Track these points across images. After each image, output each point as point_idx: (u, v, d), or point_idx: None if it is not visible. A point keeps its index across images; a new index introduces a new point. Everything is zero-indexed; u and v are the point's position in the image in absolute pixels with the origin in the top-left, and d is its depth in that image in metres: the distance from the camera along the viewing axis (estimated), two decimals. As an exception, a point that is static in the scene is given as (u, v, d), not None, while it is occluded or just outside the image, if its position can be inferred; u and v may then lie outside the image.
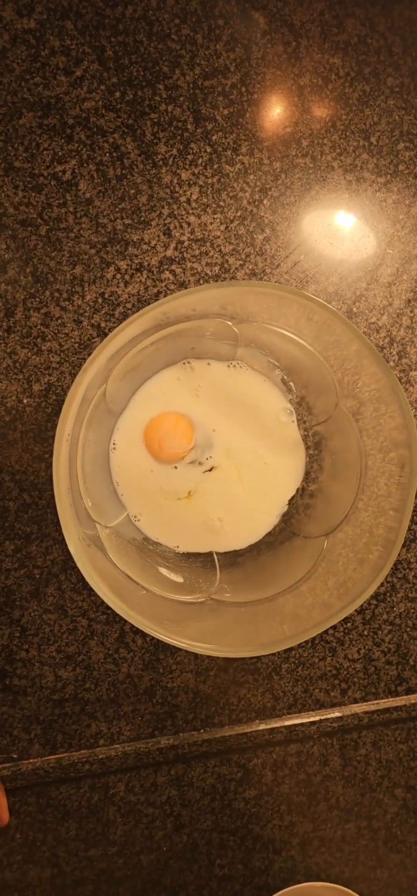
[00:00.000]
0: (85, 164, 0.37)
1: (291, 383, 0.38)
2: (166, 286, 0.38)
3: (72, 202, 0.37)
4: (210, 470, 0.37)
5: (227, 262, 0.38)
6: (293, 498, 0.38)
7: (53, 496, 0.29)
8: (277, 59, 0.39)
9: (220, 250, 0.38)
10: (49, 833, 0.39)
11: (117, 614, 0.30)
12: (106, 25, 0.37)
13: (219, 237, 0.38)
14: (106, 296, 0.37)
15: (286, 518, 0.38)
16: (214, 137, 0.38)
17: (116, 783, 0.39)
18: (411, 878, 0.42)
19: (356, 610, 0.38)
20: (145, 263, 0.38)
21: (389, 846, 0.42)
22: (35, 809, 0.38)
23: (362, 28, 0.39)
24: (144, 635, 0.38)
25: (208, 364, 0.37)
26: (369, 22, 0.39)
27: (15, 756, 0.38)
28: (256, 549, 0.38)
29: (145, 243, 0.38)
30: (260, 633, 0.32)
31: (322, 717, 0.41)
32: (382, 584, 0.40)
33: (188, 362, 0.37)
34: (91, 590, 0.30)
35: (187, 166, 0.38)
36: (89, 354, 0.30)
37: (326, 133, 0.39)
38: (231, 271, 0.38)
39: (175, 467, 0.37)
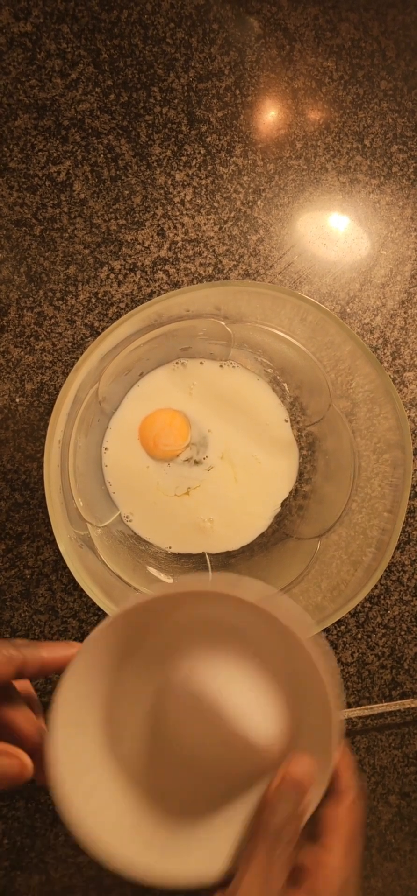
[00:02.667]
0: (80, 166, 0.37)
1: (284, 384, 0.38)
2: (159, 286, 0.38)
3: (66, 203, 0.37)
4: (209, 470, 0.37)
5: (220, 262, 0.38)
6: (286, 499, 0.38)
7: (44, 496, 0.29)
8: (271, 63, 0.39)
9: (214, 251, 0.38)
10: (37, 839, 0.38)
11: (108, 615, 0.30)
12: (102, 29, 0.38)
13: (213, 238, 0.38)
14: (99, 295, 0.37)
15: (280, 519, 0.38)
16: (208, 139, 0.38)
17: (107, 788, 0.39)
18: (405, 886, 0.42)
19: (349, 613, 0.38)
20: (139, 264, 0.38)
21: (383, 854, 0.42)
22: (23, 814, 0.38)
23: (355, 32, 0.39)
24: (135, 637, 0.38)
25: (201, 364, 0.37)
26: (362, 26, 0.39)
27: (4, 759, 0.37)
28: (248, 551, 0.37)
29: (139, 244, 0.38)
30: (252, 636, 0.32)
31: (316, 722, 0.40)
32: (376, 587, 0.40)
33: (181, 362, 0.37)
34: (82, 590, 0.30)
35: (181, 168, 0.38)
36: (82, 354, 0.30)
37: (320, 135, 0.39)
38: (225, 272, 0.38)
39: (169, 464, 0.37)
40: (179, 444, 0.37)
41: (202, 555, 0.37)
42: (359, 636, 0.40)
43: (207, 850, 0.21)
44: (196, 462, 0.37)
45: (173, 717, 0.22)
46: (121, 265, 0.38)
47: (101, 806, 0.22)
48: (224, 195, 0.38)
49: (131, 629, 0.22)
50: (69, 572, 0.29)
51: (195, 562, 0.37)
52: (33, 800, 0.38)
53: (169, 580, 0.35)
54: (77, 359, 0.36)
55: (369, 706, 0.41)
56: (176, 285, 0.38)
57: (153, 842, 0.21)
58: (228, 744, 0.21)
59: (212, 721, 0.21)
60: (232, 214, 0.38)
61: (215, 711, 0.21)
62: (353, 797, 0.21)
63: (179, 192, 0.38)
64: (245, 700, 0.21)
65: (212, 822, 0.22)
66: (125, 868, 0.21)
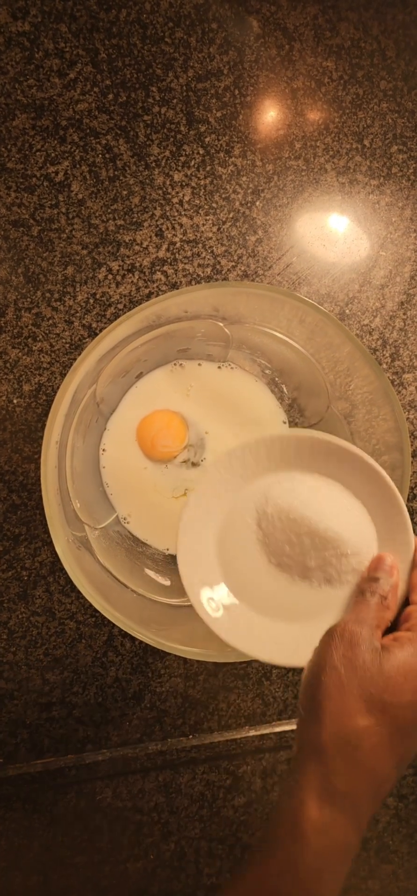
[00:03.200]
0: (78, 166, 0.37)
1: (283, 385, 0.38)
2: (157, 287, 0.38)
3: (64, 203, 0.37)
4: (201, 464, 0.37)
5: (219, 263, 0.38)
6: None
7: (42, 497, 0.29)
8: (270, 63, 0.39)
9: (212, 251, 0.38)
10: (35, 839, 0.38)
11: (106, 617, 0.30)
12: (100, 28, 0.37)
13: (211, 238, 0.38)
14: (97, 296, 0.37)
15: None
16: (207, 139, 0.38)
17: (104, 789, 0.39)
18: (403, 888, 0.42)
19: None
20: (137, 264, 0.38)
21: (381, 856, 0.42)
22: (21, 815, 0.38)
23: (355, 32, 0.39)
24: (132, 639, 0.38)
25: (199, 365, 0.37)
26: (362, 26, 0.39)
27: (1, 760, 0.37)
28: (246, 553, 0.37)
29: (137, 244, 0.38)
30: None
31: (314, 724, 0.40)
32: (374, 589, 0.40)
33: (180, 363, 0.37)
34: (80, 592, 0.30)
35: (179, 168, 0.38)
36: (80, 355, 0.30)
37: (319, 136, 0.39)
38: (223, 273, 0.38)
39: (167, 466, 0.37)
40: (176, 446, 0.36)
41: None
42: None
43: (304, 641, 0.25)
44: (194, 464, 0.37)
45: (278, 530, 0.27)
46: (119, 266, 0.37)
47: (217, 599, 0.28)
48: (223, 196, 0.38)
49: (248, 460, 0.29)
50: (67, 574, 0.29)
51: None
52: (31, 800, 0.38)
53: (166, 582, 0.35)
54: (75, 360, 0.36)
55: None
56: (174, 286, 0.38)
57: (258, 634, 0.27)
58: (326, 547, 0.26)
59: (316, 528, 0.26)
60: (231, 215, 0.38)
61: (317, 520, 0.26)
62: None
63: (177, 192, 0.38)
64: (343, 515, 0.27)
65: (309, 620, 0.27)
66: (238, 645, 0.27)
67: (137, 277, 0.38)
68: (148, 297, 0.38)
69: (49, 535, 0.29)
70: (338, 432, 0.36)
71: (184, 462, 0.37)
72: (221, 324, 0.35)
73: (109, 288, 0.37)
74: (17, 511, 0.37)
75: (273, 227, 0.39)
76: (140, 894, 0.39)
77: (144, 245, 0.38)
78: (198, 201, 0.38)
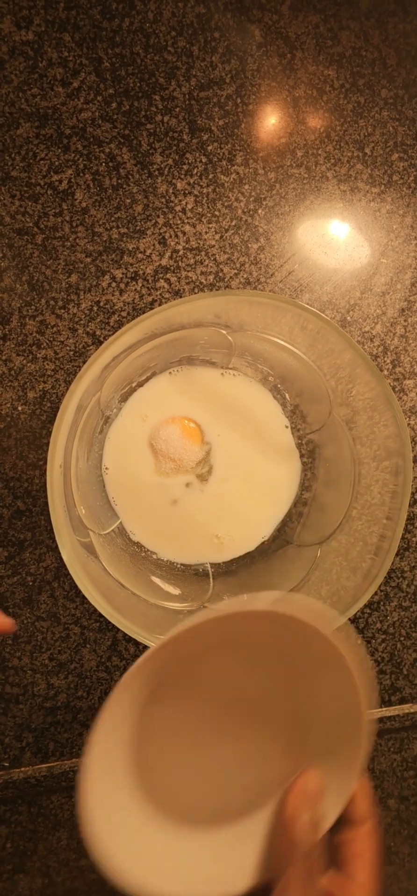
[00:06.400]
0: (81, 174, 0.37)
1: (285, 392, 0.38)
2: (161, 295, 0.38)
3: (68, 211, 0.37)
4: (211, 477, 0.37)
5: (222, 271, 0.39)
6: (286, 506, 0.38)
7: (46, 503, 0.29)
8: (272, 71, 0.39)
9: (215, 259, 0.38)
10: (40, 843, 0.38)
11: (110, 622, 0.30)
12: (103, 37, 0.38)
13: (214, 246, 0.38)
14: (101, 304, 0.38)
15: (280, 526, 0.38)
16: (209, 148, 0.38)
17: (109, 792, 0.39)
18: (404, 890, 0.42)
19: (349, 619, 0.38)
20: (141, 272, 0.38)
21: (382, 858, 0.42)
22: (26, 819, 0.38)
23: (356, 40, 0.39)
24: (136, 643, 0.38)
25: (203, 372, 0.38)
26: (363, 34, 0.39)
27: (6, 764, 0.37)
28: (249, 557, 0.38)
29: (141, 252, 0.38)
30: (253, 642, 0.32)
31: (316, 727, 0.40)
32: (375, 593, 0.40)
33: (183, 370, 0.37)
34: (84, 597, 0.30)
35: (182, 176, 0.38)
36: (84, 362, 0.30)
37: (320, 144, 0.39)
38: (226, 280, 0.39)
39: (170, 473, 0.37)
40: (190, 459, 0.37)
41: (204, 562, 0.37)
42: (359, 642, 0.41)
43: (232, 866, 0.22)
44: (199, 470, 0.37)
45: (194, 745, 0.23)
46: (122, 274, 0.38)
47: (129, 840, 0.22)
48: (225, 204, 0.38)
49: (158, 664, 0.22)
50: (71, 579, 0.30)
51: (196, 568, 0.37)
52: (36, 804, 0.38)
53: (172, 588, 0.36)
54: (79, 367, 0.36)
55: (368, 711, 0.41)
56: (177, 293, 0.38)
57: (181, 865, 0.22)
58: (246, 763, 0.22)
59: (232, 744, 0.22)
60: (233, 223, 0.39)
61: (236, 734, 0.22)
62: (372, 824, 0.21)
63: (180, 200, 0.38)
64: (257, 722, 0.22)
65: (234, 839, 0.22)
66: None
67: (140, 285, 0.38)
68: (151, 304, 0.38)
69: (54, 541, 0.30)
70: (340, 438, 0.36)
71: (188, 471, 0.37)
72: (223, 331, 0.35)
73: (113, 296, 0.38)
74: (22, 517, 0.37)
75: (275, 235, 0.39)
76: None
77: (148, 253, 0.38)
78: (201, 209, 0.38)
